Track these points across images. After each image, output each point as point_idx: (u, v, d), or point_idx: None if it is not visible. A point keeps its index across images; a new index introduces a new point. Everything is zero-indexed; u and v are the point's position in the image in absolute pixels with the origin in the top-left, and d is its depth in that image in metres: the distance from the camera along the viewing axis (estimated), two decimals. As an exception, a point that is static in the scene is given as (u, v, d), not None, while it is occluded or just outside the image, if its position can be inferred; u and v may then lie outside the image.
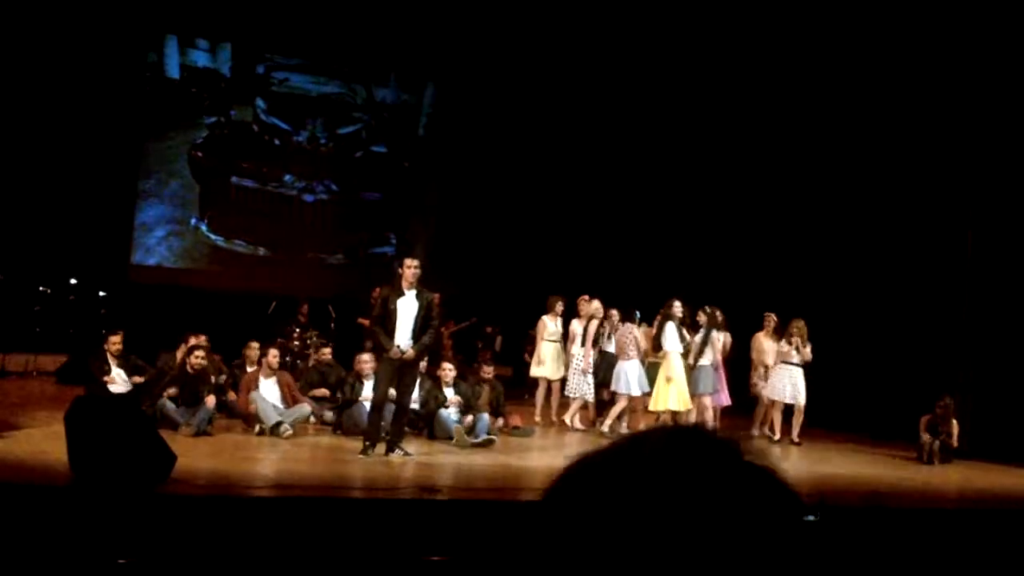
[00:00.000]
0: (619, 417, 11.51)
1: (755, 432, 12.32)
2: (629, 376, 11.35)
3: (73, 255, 15.08)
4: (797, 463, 10.91)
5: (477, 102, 17.65)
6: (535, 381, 12.62)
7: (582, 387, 11.78)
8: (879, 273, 13.58)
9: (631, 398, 11.45)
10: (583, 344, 11.82)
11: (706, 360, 11.40)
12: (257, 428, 9.71)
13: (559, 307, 12.13)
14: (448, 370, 10.61)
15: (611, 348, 11.80)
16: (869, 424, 13.11)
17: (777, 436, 11.92)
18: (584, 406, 12.10)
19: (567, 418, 11.91)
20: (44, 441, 8.03)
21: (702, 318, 11.55)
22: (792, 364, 11.88)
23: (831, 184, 14.17)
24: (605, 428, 11.40)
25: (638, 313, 11.83)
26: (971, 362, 12.45)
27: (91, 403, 7.40)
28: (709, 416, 11.50)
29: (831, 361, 12.61)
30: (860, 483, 9.45)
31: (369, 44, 17.20)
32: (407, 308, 8.85)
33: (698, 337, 11.45)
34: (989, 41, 12.22)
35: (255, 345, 11.34)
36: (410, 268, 8.88)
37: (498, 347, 16.29)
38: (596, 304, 12.05)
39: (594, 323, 11.87)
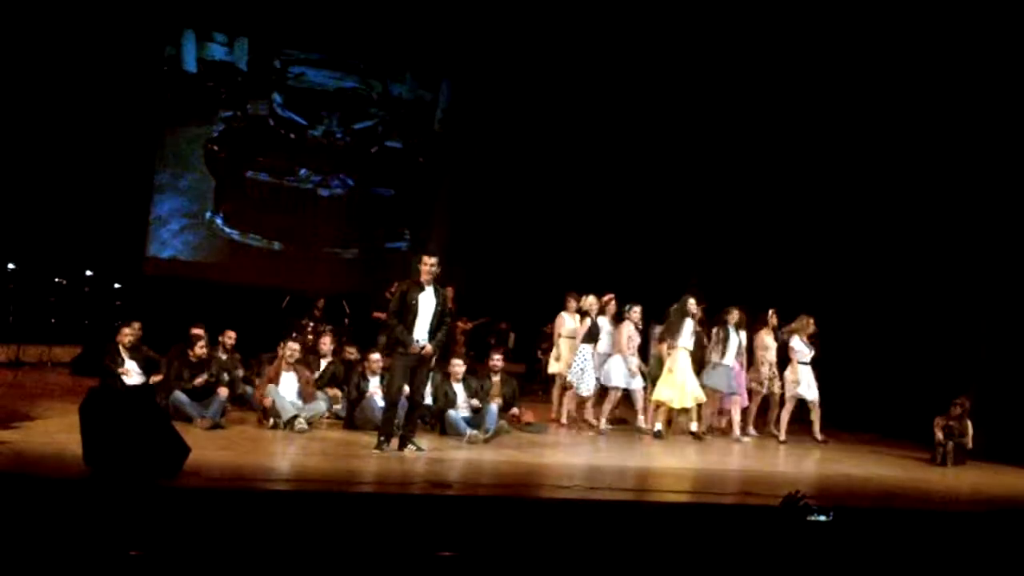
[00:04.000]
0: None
1: (751, 431, 12.30)
2: (630, 369, 11.48)
3: (89, 247, 15.18)
4: (809, 463, 10.90)
5: (492, 98, 17.66)
6: (553, 377, 12.63)
7: (589, 383, 11.78)
8: (894, 270, 13.52)
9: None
10: (584, 340, 11.83)
11: (728, 359, 11.59)
12: (271, 422, 9.74)
13: (572, 304, 12.12)
14: (457, 366, 10.60)
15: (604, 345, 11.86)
16: (882, 424, 13.07)
17: (782, 436, 11.92)
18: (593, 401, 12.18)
19: (593, 416, 12.00)
20: (59, 432, 8.07)
21: (733, 317, 11.64)
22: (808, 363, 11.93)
23: (848, 183, 14.11)
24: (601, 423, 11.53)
25: (629, 307, 11.78)
26: (986, 361, 12.38)
27: (106, 395, 7.42)
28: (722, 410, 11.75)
29: (844, 361, 12.57)
30: (873, 484, 9.42)
31: (386, 40, 17.23)
32: (427, 303, 8.91)
33: (726, 336, 11.58)
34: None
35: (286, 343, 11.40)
36: (427, 265, 8.95)
37: (511, 343, 16.28)
38: (587, 299, 12.00)
39: (587, 320, 11.85)
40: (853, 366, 13.15)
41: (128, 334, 10.52)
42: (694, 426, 11.69)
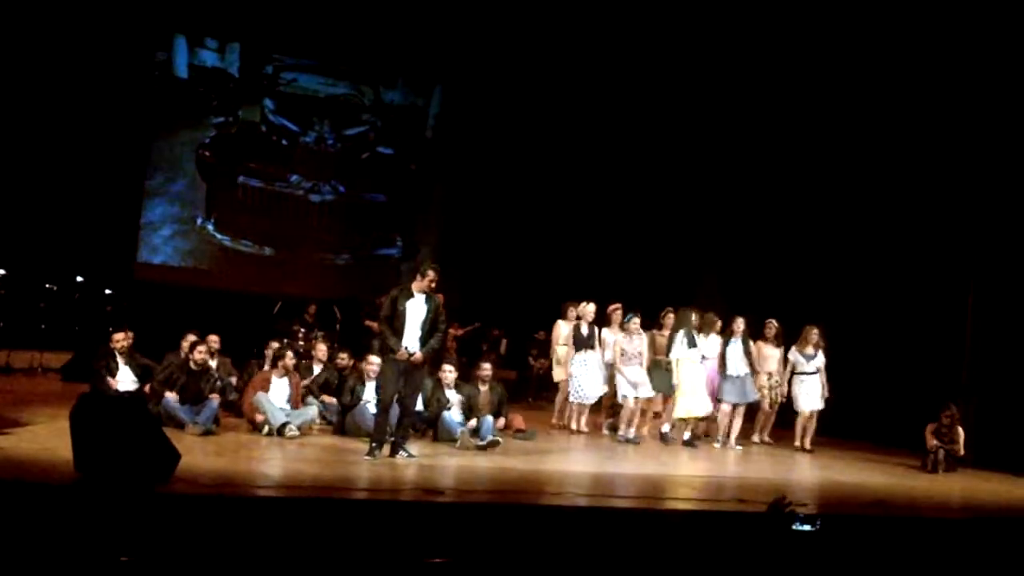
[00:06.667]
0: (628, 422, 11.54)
1: (756, 439, 12.36)
2: (630, 380, 11.40)
3: (79, 253, 15.14)
4: (802, 470, 10.92)
5: (484, 105, 17.68)
6: (554, 384, 12.65)
7: (590, 391, 11.75)
8: (884, 280, 13.54)
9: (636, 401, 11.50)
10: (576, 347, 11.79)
11: (740, 370, 11.62)
12: (265, 429, 9.71)
13: (571, 312, 12.14)
14: (448, 372, 10.59)
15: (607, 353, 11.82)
16: (874, 432, 13.09)
17: (799, 443, 11.95)
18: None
19: (573, 423, 11.96)
20: (49, 438, 8.04)
21: (739, 327, 11.64)
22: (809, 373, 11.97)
23: (838, 189, 14.13)
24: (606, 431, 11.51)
25: (628, 315, 11.76)
26: (975, 370, 12.41)
27: (96, 400, 7.39)
28: (736, 423, 11.89)
29: (837, 369, 12.58)
30: (865, 491, 9.42)
31: (378, 46, 17.24)
32: (416, 310, 8.90)
33: (731, 347, 11.59)
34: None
35: (276, 344, 11.40)
36: (427, 278, 8.90)
37: (503, 350, 16.29)
38: (586, 307, 11.97)
39: (582, 325, 11.82)
40: (845, 374, 13.16)
41: (123, 339, 10.49)
42: (666, 427, 11.71)
